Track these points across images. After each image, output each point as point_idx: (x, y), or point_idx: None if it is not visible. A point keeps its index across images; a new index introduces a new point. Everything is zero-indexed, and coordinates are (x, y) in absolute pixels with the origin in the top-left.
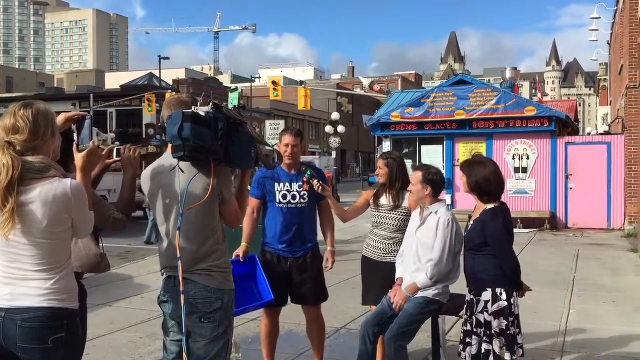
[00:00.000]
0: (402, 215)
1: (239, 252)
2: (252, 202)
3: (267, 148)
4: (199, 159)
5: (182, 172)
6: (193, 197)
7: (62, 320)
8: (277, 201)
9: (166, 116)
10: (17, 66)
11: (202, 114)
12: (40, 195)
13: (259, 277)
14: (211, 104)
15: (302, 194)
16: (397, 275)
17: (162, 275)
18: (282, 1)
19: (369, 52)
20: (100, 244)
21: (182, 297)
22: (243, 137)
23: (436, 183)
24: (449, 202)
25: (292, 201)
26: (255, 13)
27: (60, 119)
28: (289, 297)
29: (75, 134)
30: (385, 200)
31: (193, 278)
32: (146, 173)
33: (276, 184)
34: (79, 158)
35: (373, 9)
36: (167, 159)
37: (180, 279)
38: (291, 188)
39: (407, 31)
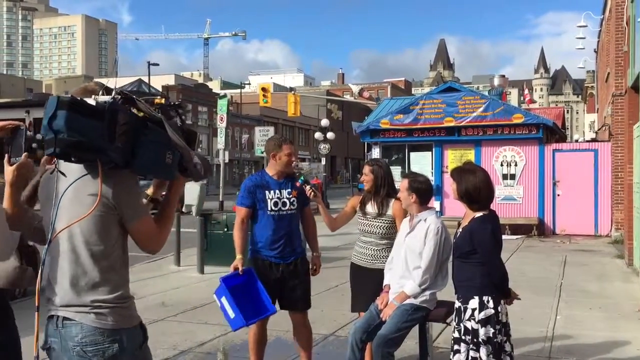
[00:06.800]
0: (387, 222)
1: (237, 264)
2: (242, 211)
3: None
4: (85, 159)
5: (65, 176)
6: (71, 211)
7: None
8: (269, 209)
9: None
10: (4, 72)
11: (93, 103)
12: None
13: (260, 289)
14: (118, 93)
15: (291, 200)
16: (385, 282)
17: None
18: (265, 8)
19: (349, 59)
20: (23, 257)
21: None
22: (154, 136)
23: (422, 191)
24: (437, 208)
25: (283, 208)
26: (234, 19)
27: None
28: (277, 303)
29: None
30: (370, 207)
31: (78, 318)
32: (43, 178)
33: (267, 192)
34: (9, 171)
35: (354, 15)
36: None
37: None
38: (281, 195)
39: (387, 38)
